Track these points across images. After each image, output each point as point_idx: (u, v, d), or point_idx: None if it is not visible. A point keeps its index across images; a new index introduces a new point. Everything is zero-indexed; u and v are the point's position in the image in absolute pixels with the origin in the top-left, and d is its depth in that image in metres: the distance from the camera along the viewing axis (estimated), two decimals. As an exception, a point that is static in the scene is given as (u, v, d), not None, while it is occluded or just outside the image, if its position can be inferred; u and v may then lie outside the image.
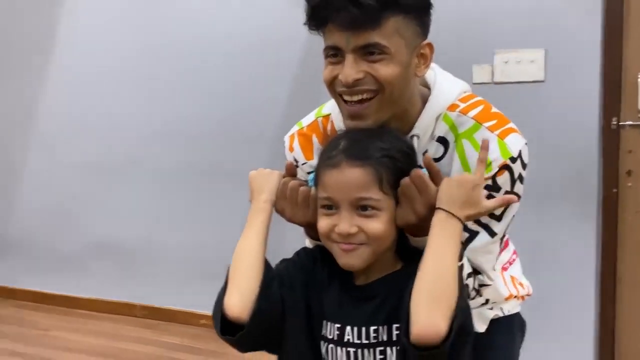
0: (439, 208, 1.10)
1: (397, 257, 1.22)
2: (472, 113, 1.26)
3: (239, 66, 3.50)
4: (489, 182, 1.21)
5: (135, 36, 3.79)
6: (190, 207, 3.75)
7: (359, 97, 1.17)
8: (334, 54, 1.18)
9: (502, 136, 1.24)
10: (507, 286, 1.43)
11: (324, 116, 1.39)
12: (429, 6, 1.24)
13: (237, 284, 1.18)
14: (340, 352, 1.16)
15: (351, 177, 1.12)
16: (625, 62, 2.83)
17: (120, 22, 3.83)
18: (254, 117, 3.46)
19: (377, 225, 1.12)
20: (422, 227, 1.12)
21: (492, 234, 1.25)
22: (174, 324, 3.76)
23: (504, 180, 1.23)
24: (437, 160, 1.24)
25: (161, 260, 3.86)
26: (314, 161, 1.32)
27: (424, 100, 1.27)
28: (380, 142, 1.16)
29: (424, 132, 1.24)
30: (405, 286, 1.12)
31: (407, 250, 1.20)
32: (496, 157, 1.22)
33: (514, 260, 1.49)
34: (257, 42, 3.44)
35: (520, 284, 1.47)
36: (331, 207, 1.15)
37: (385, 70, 1.15)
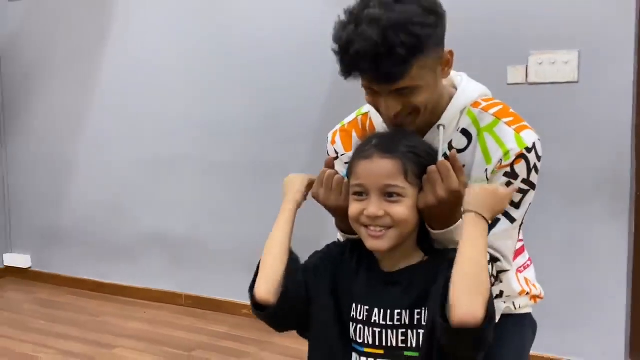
0: (469, 210, 1.23)
1: (418, 248, 1.35)
2: (492, 110, 1.39)
3: (283, 66, 3.63)
4: (508, 169, 1.34)
5: (183, 37, 3.96)
6: (235, 201, 3.91)
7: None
8: (372, 91, 1.32)
9: (518, 130, 1.36)
10: (520, 283, 1.55)
11: (363, 114, 1.53)
12: (443, 24, 1.31)
13: (264, 272, 1.38)
14: (368, 331, 1.30)
15: (381, 166, 1.26)
16: (659, 63, 2.88)
17: (170, 23, 4.00)
18: (296, 116, 3.58)
19: (402, 209, 1.26)
20: (440, 217, 1.25)
21: (512, 220, 1.37)
22: (217, 313, 3.93)
23: (521, 168, 1.34)
24: (461, 150, 1.37)
25: (207, 252, 4.03)
26: (351, 153, 1.44)
27: (450, 97, 1.41)
28: (407, 141, 1.31)
29: (449, 123, 1.37)
30: (428, 277, 1.26)
31: (428, 244, 1.34)
32: (513, 147, 1.34)
33: (528, 265, 1.61)
34: (300, 42, 3.56)
35: (534, 285, 1.57)
36: (362, 193, 1.29)
37: (419, 99, 1.30)
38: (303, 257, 1.46)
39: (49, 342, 3.55)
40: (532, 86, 2.99)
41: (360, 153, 1.31)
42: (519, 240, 1.58)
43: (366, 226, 1.28)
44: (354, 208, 1.30)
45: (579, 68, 2.92)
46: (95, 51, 4.30)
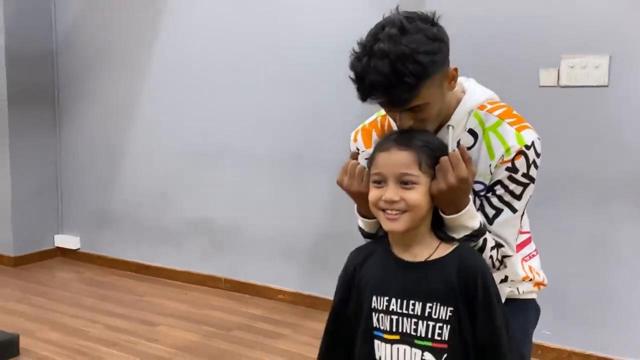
0: None
1: (433, 234, 1.48)
2: (497, 112, 1.55)
3: (326, 64, 3.78)
4: (509, 164, 1.48)
5: (230, 34, 4.15)
6: (275, 191, 4.09)
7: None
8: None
9: (519, 130, 1.51)
10: (524, 270, 1.69)
11: (382, 116, 1.70)
12: (447, 47, 1.45)
13: None
14: (386, 319, 1.45)
15: (398, 157, 1.42)
16: (688, 69, 2.95)
17: (217, 20, 4.20)
18: (336, 112, 3.72)
19: (415, 195, 1.41)
20: (451, 202, 1.41)
21: (514, 210, 1.52)
22: (254, 297, 4.13)
23: (521, 163, 1.49)
24: (469, 148, 1.50)
25: (246, 239, 4.23)
26: (372, 149, 1.60)
27: (459, 101, 1.56)
28: (421, 136, 1.47)
29: (457, 123, 1.53)
30: (444, 275, 1.41)
31: (443, 232, 1.48)
32: (514, 144, 1.49)
33: (533, 255, 1.73)
34: (343, 42, 3.66)
35: (537, 273, 1.70)
36: (380, 182, 1.44)
37: (429, 113, 1.46)
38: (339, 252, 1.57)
39: (97, 318, 3.79)
40: (563, 89, 3.09)
41: (380, 147, 1.47)
42: (526, 232, 1.70)
43: (384, 210, 1.44)
44: (373, 194, 1.45)
45: (609, 72, 3.00)
46: (146, 46, 4.53)
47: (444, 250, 1.46)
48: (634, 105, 2.98)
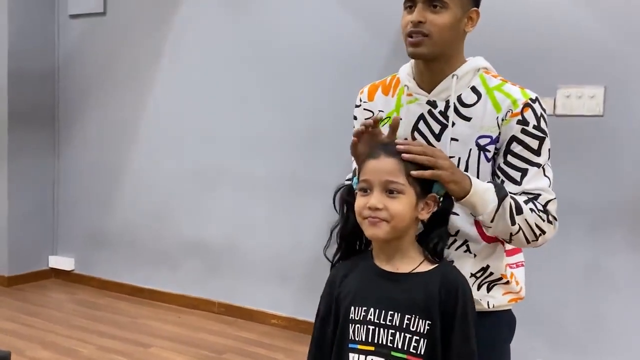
0: None
1: (417, 248, 1.49)
2: (500, 77, 1.64)
3: (324, 87, 3.84)
4: (519, 117, 1.54)
5: (229, 58, 4.20)
6: (272, 215, 4.10)
7: (418, 37, 1.56)
8: (410, 6, 1.58)
9: (522, 87, 1.60)
10: (505, 272, 1.65)
11: (392, 76, 1.75)
12: None
13: None
14: (362, 329, 1.44)
15: (385, 164, 1.43)
16: (682, 101, 2.99)
17: (217, 45, 4.25)
18: (333, 135, 3.74)
19: (398, 205, 1.42)
20: (452, 181, 1.45)
21: (537, 165, 1.56)
22: (248, 322, 4.11)
23: (529, 115, 1.54)
24: (471, 105, 1.58)
25: (241, 263, 4.22)
26: (373, 103, 1.72)
27: (465, 61, 1.65)
28: None
29: (462, 76, 1.59)
30: (426, 289, 1.41)
31: (433, 249, 1.48)
32: (519, 97, 1.56)
33: (520, 265, 1.71)
34: (341, 65, 3.76)
35: (517, 282, 1.67)
36: (366, 189, 1.45)
37: (441, 19, 1.54)
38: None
39: (90, 338, 3.76)
40: (559, 118, 3.13)
41: (370, 154, 1.48)
42: None
43: (367, 218, 1.44)
44: (359, 202, 1.46)
45: (604, 102, 3.06)
46: (148, 69, 4.57)
47: (427, 266, 1.46)
48: (628, 135, 3.02)
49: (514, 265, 1.67)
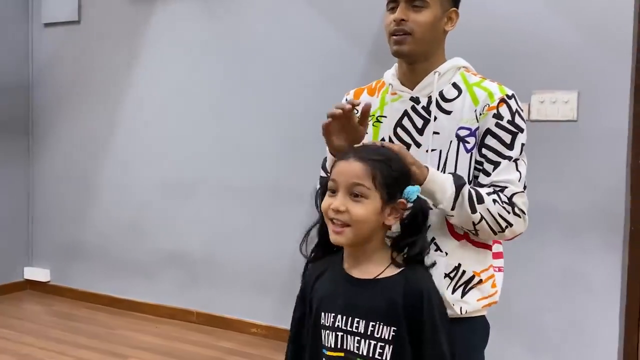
0: None
1: (386, 251, 1.49)
2: (479, 75, 1.70)
3: (301, 95, 3.83)
4: (495, 111, 1.60)
5: (205, 66, 4.18)
6: (249, 224, 4.08)
7: (401, 36, 1.63)
8: (392, 7, 1.65)
9: (500, 84, 1.66)
10: (482, 272, 1.64)
11: (377, 80, 1.81)
12: None
13: None
14: (331, 335, 1.45)
15: (353, 167, 1.44)
16: (654, 105, 3.04)
17: (192, 52, 4.23)
18: (311, 143, 3.73)
19: (360, 210, 1.42)
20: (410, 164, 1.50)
21: (509, 158, 1.60)
22: (227, 331, 4.08)
23: (504, 110, 1.60)
24: (451, 100, 1.64)
25: (219, 272, 4.19)
26: (357, 101, 1.72)
27: (446, 60, 1.72)
28: (384, 153, 1.48)
29: (443, 72, 1.66)
30: (392, 295, 1.41)
31: (405, 252, 1.49)
32: (495, 91, 1.62)
33: (500, 270, 1.72)
34: (320, 73, 3.77)
35: (494, 285, 1.68)
36: (334, 190, 1.46)
37: (422, 17, 1.62)
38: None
39: (66, 350, 3.71)
40: (534, 123, 3.15)
41: (342, 156, 1.49)
42: (499, 243, 1.72)
43: (332, 221, 1.45)
44: (325, 202, 1.47)
45: (578, 108, 3.09)
46: (123, 78, 4.54)
47: (393, 270, 1.46)
48: (601, 139, 3.05)
49: (497, 269, 1.68)
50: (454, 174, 1.56)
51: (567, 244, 3.16)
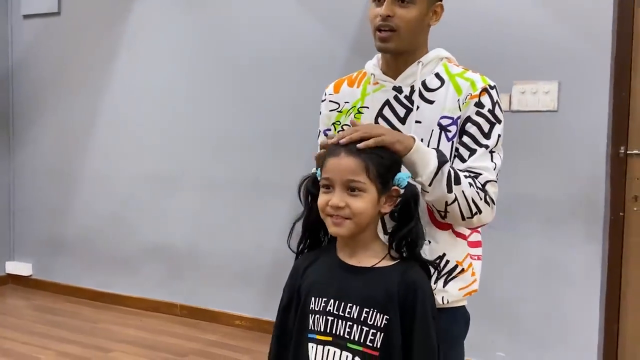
0: None
1: (378, 240, 1.51)
2: (462, 66, 1.70)
3: (285, 87, 3.83)
4: (476, 99, 1.61)
5: (187, 58, 4.17)
6: (233, 217, 4.07)
7: (387, 32, 1.62)
8: (377, 1, 1.64)
9: (482, 75, 1.67)
10: (462, 261, 1.65)
11: (358, 71, 1.80)
12: None
13: None
14: (321, 319, 1.46)
15: (346, 163, 1.44)
16: (633, 95, 3.07)
17: (175, 44, 4.21)
18: (295, 136, 3.75)
19: (360, 203, 1.43)
20: (396, 141, 1.49)
21: (486, 147, 1.61)
22: (211, 323, 4.08)
23: (486, 100, 1.61)
24: (434, 90, 1.65)
25: (203, 265, 4.19)
26: (338, 95, 1.77)
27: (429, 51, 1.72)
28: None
29: (426, 63, 1.67)
30: (386, 283, 1.42)
31: (398, 244, 1.49)
32: (478, 81, 1.63)
33: (478, 258, 1.72)
34: (303, 65, 3.76)
35: (473, 274, 1.68)
36: (329, 187, 1.46)
37: (408, 13, 1.61)
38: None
39: (49, 344, 3.69)
40: (515, 114, 3.17)
41: (331, 152, 1.49)
42: (480, 234, 1.72)
43: (331, 216, 1.46)
44: (321, 199, 1.47)
45: (558, 98, 3.11)
46: (104, 70, 4.50)
47: (389, 261, 1.48)
48: (581, 129, 3.08)
49: (475, 257, 1.69)
50: (438, 150, 1.56)
51: (548, 233, 3.18)
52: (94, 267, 4.63)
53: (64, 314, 4.30)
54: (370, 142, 1.46)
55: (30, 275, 4.93)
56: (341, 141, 1.47)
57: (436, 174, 1.50)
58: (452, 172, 1.52)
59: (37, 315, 4.29)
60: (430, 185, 1.51)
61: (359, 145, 1.45)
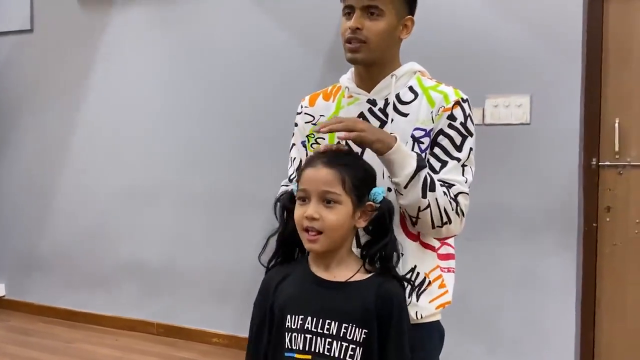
0: None
1: (354, 255, 1.51)
2: (435, 80, 1.74)
3: (260, 101, 3.83)
4: (449, 112, 1.63)
5: (163, 72, 4.15)
6: (210, 232, 4.04)
7: (356, 44, 1.64)
8: (348, 12, 1.66)
9: (455, 88, 1.70)
10: (432, 272, 1.66)
11: (333, 85, 1.82)
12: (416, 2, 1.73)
13: None
14: (300, 338, 1.44)
15: (322, 174, 1.45)
16: (603, 107, 3.13)
17: (151, 58, 4.19)
18: (271, 149, 3.74)
19: (334, 216, 1.44)
20: (377, 140, 1.51)
21: (457, 160, 1.63)
22: (188, 342, 4.03)
23: (458, 112, 1.64)
24: (408, 102, 1.67)
25: (179, 282, 4.15)
26: (313, 108, 1.79)
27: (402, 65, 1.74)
28: (349, 158, 1.51)
29: (400, 76, 1.69)
30: (363, 297, 1.42)
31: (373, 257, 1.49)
32: (451, 94, 1.65)
33: (451, 270, 1.73)
34: (278, 79, 3.77)
35: (443, 285, 1.68)
36: (304, 198, 1.46)
37: (377, 26, 1.63)
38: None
39: (21, 365, 3.63)
40: (488, 127, 3.21)
41: (308, 163, 1.50)
42: (452, 247, 1.73)
43: (307, 231, 1.45)
44: (297, 212, 1.47)
45: (530, 111, 3.15)
46: (80, 85, 4.46)
47: (364, 274, 1.48)
48: (554, 141, 3.12)
49: (446, 270, 1.69)
50: (419, 155, 1.57)
51: (523, 244, 3.21)
52: (69, 286, 4.56)
53: (38, 335, 4.22)
54: (350, 135, 1.48)
55: (3, 296, 4.84)
56: (322, 130, 1.49)
57: (413, 177, 1.51)
58: (428, 178, 1.54)
59: (9, 336, 4.21)
60: (405, 187, 1.52)
61: (338, 135, 1.47)
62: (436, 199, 1.54)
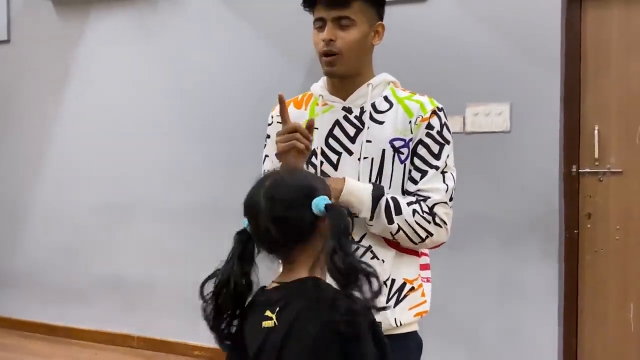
0: None
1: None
2: (408, 90, 1.75)
3: (238, 114, 3.80)
4: (427, 122, 1.65)
5: (140, 85, 4.11)
6: (187, 245, 4.00)
7: (331, 56, 1.66)
8: (320, 25, 1.67)
9: (430, 97, 1.72)
10: (414, 280, 1.65)
11: (304, 93, 1.83)
12: (383, 2, 1.73)
13: None
14: None
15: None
16: (583, 115, 3.15)
17: (128, 71, 4.16)
18: (249, 163, 3.71)
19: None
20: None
21: (436, 168, 1.64)
22: (169, 355, 3.98)
23: (435, 121, 1.66)
24: (384, 112, 1.68)
25: (160, 294, 4.09)
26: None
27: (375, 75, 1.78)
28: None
29: (375, 85, 1.71)
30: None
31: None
32: (427, 104, 1.68)
33: (427, 280, 1.73)
34: (257, 92, 3.74)
35: (423, 295, 1.68)
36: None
37: (350, 35, 1.64)
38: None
39: (-2, 382, 3.56)
40: (469, 135, 3.21)
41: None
42: (426, 255, 1.73)
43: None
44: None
45: (510, 119, 3.16)
46: (56, 97, 4.41)
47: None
48: (534, 149, 3.14)
49: (425, 279, 1.70)
50: (375, 184, 1.60)
51: (504, 252, 3.21)
52: (46, 300, 4.48)
53: (15, 350, 4.14)
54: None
55: (-21, 311, 4.75)
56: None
57: (374, 208, 1.56)
58: (390, 203, 1.57)
59: (-15, 352, 4.14)
60: (371, 219, 1.57)
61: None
62: (405, 220, 1.58)
